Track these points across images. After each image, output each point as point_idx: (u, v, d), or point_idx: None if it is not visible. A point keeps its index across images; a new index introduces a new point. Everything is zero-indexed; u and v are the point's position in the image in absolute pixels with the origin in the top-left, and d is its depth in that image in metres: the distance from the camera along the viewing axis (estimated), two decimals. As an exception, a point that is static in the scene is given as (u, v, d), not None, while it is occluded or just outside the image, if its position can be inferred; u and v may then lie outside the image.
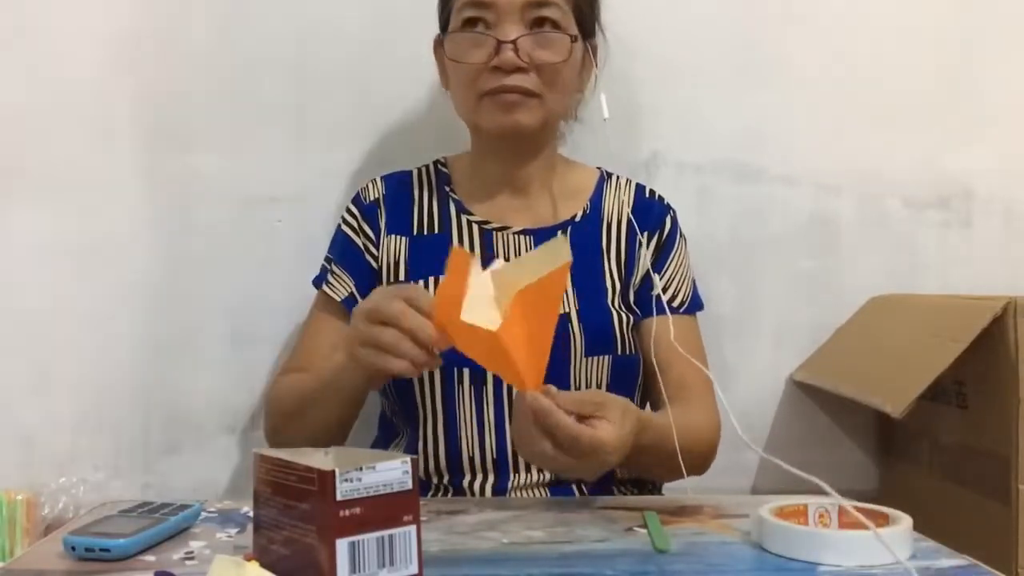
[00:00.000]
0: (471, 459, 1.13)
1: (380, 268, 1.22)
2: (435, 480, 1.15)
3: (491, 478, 1.13)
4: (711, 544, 0.85)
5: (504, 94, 1.14)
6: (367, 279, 1.22)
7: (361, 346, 0.91)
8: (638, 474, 1.17)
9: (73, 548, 0.80)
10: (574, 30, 1.16)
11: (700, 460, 1.15)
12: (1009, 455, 1.15)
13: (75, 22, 1.41)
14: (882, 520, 0.81)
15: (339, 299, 1.22)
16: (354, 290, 1.21)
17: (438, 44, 1.23)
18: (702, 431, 1.14)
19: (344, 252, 1.24)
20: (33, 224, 1.41)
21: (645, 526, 0.89)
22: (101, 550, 0.79)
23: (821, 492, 0.84)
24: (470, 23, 1.14)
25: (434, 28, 1.24)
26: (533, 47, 1.13)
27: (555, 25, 1.14)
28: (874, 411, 1.34)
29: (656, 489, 1.23)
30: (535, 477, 1.13)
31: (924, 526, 0.84)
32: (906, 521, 0.80)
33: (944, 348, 1.17)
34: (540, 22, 1.14)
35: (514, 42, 1.12)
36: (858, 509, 0.82)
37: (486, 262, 1.17)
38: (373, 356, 0.89)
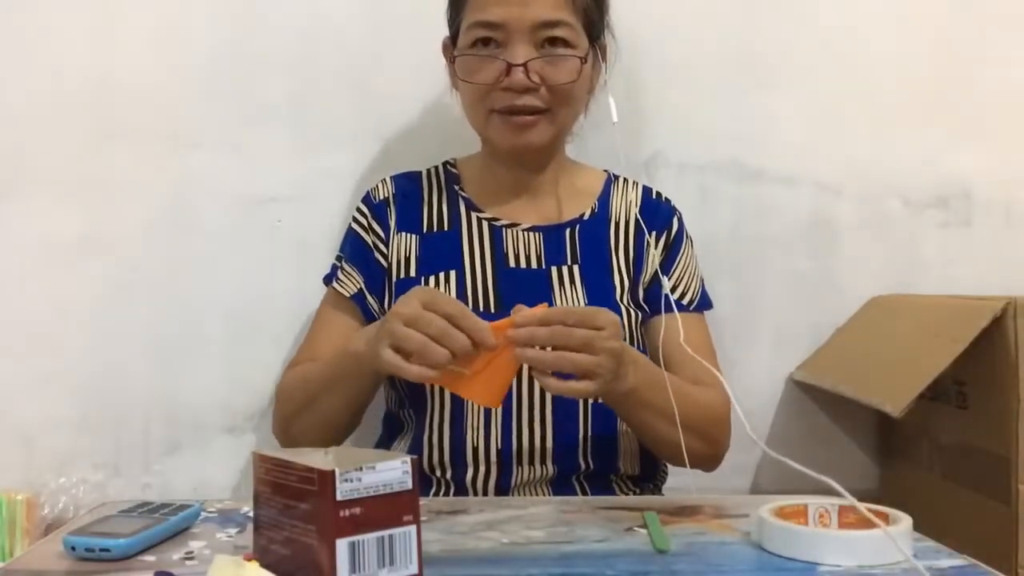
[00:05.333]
0: (475, 450, 1.13)
1: (390, 265, 1.23)
2: (438, 473, 1.15)
3: (494, 473, 1.14)
4: (711, 544, 0.85)
5: (515, 116, 1.15)
6: (377, 276, 1.23)
7: (388, 346, 0.95)
8: (652, 424, 1.09)
9: (73, 548, 0.80)
10: (585, 47, 1.17)
11: (711, 428, 1.14)
12: (1009, 455, 1.15)
13: (75, 22, 1.41)
14: (882, 520, 0.81)
15: (348, 295, 1.23)
16: (363, 286, 1.23)
17: (447, 46, 1.23)
18: (713, 404, 1.13)
19: (354, 250, 1.25)
20: (33, 224, 1.41)
21: (645, 526, 0.89)
22: (101, 550, 0.79)
23: (821, 492, 0.85)
24: (480, 43, 1.15)
25: (435, 27, 1.24)
26: (543, 67, 1.14)
27: (566, 43, 1.15)
28: (874, 411, 1.34)
29: (656, 489, 1.23)
30: (538, 473, 1.14)
31: (924, 526, 0.84)
32: (906, 521, 0.80)
33: (944, 348, 1.17)
34: (551, 41, 1.14)
35: (524, 64, 1.12)
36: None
37: (496, 261, 1.19)
38: (395, 358, 0.94)
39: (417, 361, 0.93)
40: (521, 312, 0.94)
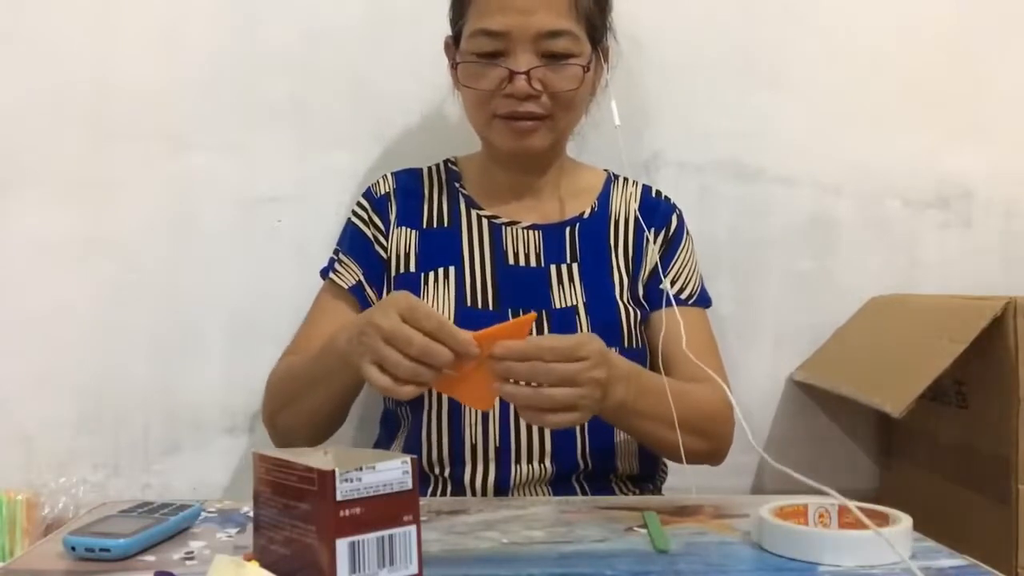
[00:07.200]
0: (473, 447, 1.13)
1: (389, 259, 1.23)
2: (436, 471, 1.15)
3: (492, 470, 1.13)
4: (711, 544, 0.85)
5: (517, 121, 1.15)
6: (376, 269, 1.23)
7: (371, 363, 0.91)
8: (647, 431, 1.10)
9: (73, 548, 0.80)
10: (587, 53, 1.17)
11: (710, 425, 1.13)
12: (1009, 455, 1.15)
13: (75, 22, 1.41)
14: (882, 520, 0.81)
15: (346, 287, 1.23)
16: (362, 278, 1.23)
17: (449, 46, 1.23)
18: (711, 400, 1.12)
19: (353, 242, 1.25)
20: (33, 224, 1.41)
21: (645, 526, 0.89)
22: (101, 550, 0.79)
23: (822, 492, 0.85)
24: (483, 50, 1.15)
25: (435, 28, 1.24)
26: (546, 74, 1.14)
27: (569, 52, 1.15)
28: (874, 411, 1.34)
29: (656, 489, 1.23)
30: (536, 472, 1.13)
31: (924, 526, 0.84)
32: (906, 521, 0.80)
33: (944, 348, 1.17)
34: (554, 50, 1.14)
35: (527, 73, 1.12)
36: (858, 509, 0.82)
37: (496, 258, 1.18)
38: (383, 380, 0.90)
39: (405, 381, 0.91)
40: (501, 341, 0.89)
